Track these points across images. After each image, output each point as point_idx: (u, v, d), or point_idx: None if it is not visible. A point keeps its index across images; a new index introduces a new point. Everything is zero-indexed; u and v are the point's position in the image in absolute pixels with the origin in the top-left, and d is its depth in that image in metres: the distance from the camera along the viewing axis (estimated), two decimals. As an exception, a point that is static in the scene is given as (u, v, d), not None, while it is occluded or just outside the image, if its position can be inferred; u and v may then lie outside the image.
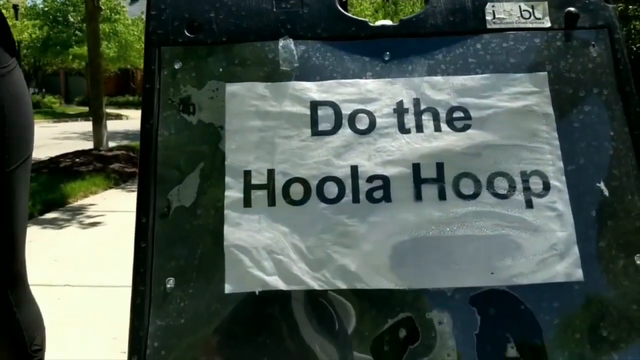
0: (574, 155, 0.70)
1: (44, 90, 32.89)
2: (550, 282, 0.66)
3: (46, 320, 1.15)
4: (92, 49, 7.10)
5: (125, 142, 10.56)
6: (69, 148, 9.03)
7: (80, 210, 4.54)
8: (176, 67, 0.75)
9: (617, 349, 0.64)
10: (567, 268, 0.66)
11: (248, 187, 0.69)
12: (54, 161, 6.56)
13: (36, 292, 1.14)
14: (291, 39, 0.75)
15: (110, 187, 5.56)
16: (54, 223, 4.07)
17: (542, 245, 0.67)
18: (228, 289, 0.65)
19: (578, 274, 0.66)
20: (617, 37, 0.76)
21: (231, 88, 0.73)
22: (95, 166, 6.23)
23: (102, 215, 4.29)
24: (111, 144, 7.89)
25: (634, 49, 8.00)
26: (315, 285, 0.65)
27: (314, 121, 0.72)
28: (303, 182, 0.69)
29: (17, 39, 22.80)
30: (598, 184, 0.70)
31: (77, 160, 6.40)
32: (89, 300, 2.50)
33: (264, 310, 0.65)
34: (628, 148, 0.71)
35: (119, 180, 5.91)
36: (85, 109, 29.88)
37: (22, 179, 1.01)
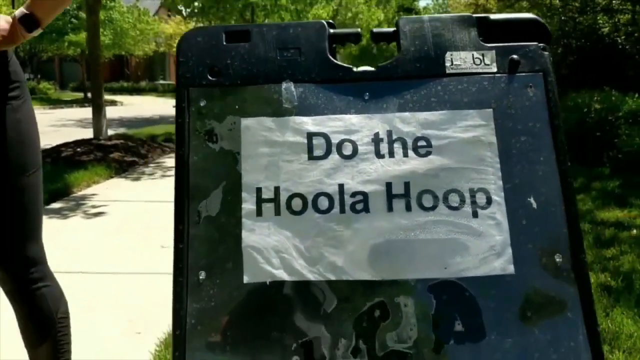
0: (511, 176, 0.91)
1: (39, 76, 32.60)
2: (489, 275, 0.87)
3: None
4: (91, 41, 7.21)
5: (122, 130, 10.66)
6: (66, 136, 9.14)
7: (84, 199, 4.73)
8: (201, 104, 0.94)
9: (537, 325, 0.86)
10: (502, 264, 0.87)
11: (259, 201, 0.90)
12: (55, 150, 6.71)
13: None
14: (292, 82, 0.95)
15: (112, 177, 5.74)
16: (59, 213, 4.26)
17: (484, 247, 0.88)
18: (246, 279, 0.86)
19: (510, 269, 0.87)
20: (550, 79, 0.97)
21: (245, 122, 0.93)
22: (95, 155, 6.39)
23: (105, 205, 4.48)
24: (109, 132, 8.02)
25: (619, 40, 8.20)
26: (311, 277, 0.86)
27: (310, 148, 0.92)
28: (302, 196, 0.90)
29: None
30: (529, 199, 0.90)
31: (78, 149, 6.56)
32: (103, 287, 2.71)
33: (273, 295, 0.86)
34: (554, 170, 0.92)
35: (119, 170, 6.08)
36: (80, 95, 29.64)
37: (38, 179, 1.31)
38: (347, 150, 0.93)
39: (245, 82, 0.95)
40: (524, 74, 0.97)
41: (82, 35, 22.20)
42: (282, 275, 0.86)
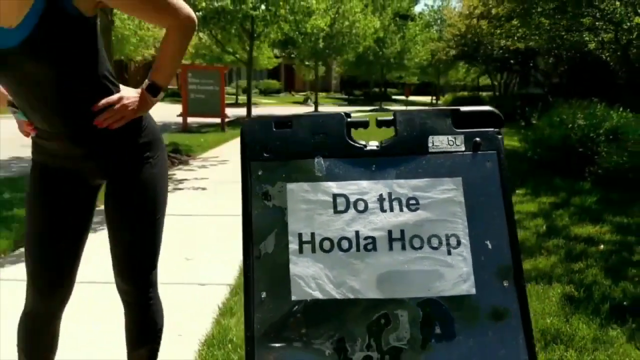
0: (474, 226, 1.32)
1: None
2: (458, 294, 1.27)
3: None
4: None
5: None
6: None
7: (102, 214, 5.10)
8: (259, 173, 1.35)
9: (491, 329, 1.26)
10: (467, 287, 1.28)
11: (301, 242, 1.30)
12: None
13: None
14: (321, 157, 1.36)
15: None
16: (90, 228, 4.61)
17: (455, 275, 1.28)
18: (293, 298, 1.26)
19: (473, 291, 1.28)
20: (502, 156, 1.37)
21: (290, 186, 1.34)
22: None
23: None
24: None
25: (604, 57, 8.65)
26: (337, 296, 1.27)
27: (335, 205, 1.33)
28: (330, 240, 1.30)
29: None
30: (486, 242, 1.31)
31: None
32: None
33: (311, 309, 1.26)
34: (504, 222, 1.32)
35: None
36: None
37: (164, 220, 1.67)
38: (361, 206, 1.33)
39: (289, 158, 1.36)
40: (483, 152, 1.38)
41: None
42: (318, 295, 1.27)
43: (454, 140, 1.38)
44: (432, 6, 38.56)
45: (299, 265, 1.29)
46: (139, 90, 1.58)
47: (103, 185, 1.67)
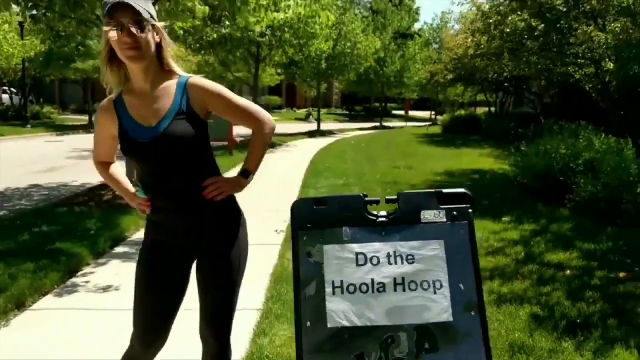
0: (452, 274, 1.93)
1: (41, 100, 33.32)
2: (441, 321, 1.89)
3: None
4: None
5: None
6: (91, 171, 10.03)
7: (139, 244, 5.68)
8: (305, 239, 1.97)
9: (462, 345, 1.87)
10: (447, 317, 1.89)
11: (334, 288, 1.91)
12: (96, 194, 7.65)
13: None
14: (348, 227, 1.98)
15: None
16: (127, 256, 5.14)
17: (439, 308, 1.89)
18: (329, 325, 1.87)
19: (451, 319, 1.89)
20: (472, 226, 1.99)
21: (326, 247, 1.96)
22: None
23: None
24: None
25: (587, 89, 9.32)
26: (359, 324, 1.88)
27: (357, 260, 1.94)
28: (354, 285, 1.92)
29: (25, 57, 23.17)
30: (460, 285, 1.92)
31: (117, 193, 7.50)
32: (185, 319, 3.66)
33: (341, 333, 1.87)
34: (472, 273, 1.94)
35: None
36: (82, 117, 30.20)
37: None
38: (375, 261, 1.95)
39: (325, 227, 1.98)
40: (459, 222, 2.00)
41: (90, 63, 23.16)
42: (346, 323, 1.88)
43: (438, 214, 2.00)
44: (432, 25, 39.34)
45: (332, 303, 1.90)
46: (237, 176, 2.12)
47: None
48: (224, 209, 2.12)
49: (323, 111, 30.71)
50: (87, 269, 4.71)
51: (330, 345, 1.88)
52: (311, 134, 22.88)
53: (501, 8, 7.95)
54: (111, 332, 3.30)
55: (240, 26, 9.00)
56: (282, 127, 26.62)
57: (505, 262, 4.44)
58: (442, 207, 2.01)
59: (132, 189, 2.17)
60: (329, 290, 1.92)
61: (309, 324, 1.89)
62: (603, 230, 5.06)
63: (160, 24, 1.92)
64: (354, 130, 27.09)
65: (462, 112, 27.23)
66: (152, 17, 1.88)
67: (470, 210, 2.02)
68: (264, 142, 2.13)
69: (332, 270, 1.94)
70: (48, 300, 3.97)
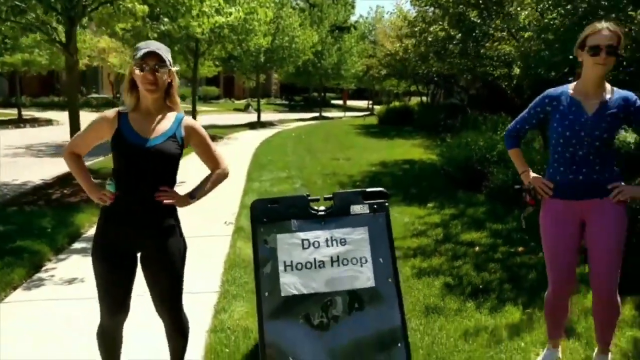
0: (374, 252, 2.58)
1: (-42, 94, 31.15)
2: (366, 287, 2.53)
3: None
4: (72, 98, 8.33)
5: (89, 162, 11.41)
6: (28, 168, 9.75)
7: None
8: (262, 230, 2.55)
9: (382, 302, 2.54)
10: (370, 282, 2.54)
11: (285, 266, 2.52)
12: (43, 193, 7.74)
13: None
14: (295, 220, 2.58)
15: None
16: (86, 251, 5.44)
17: (364, 277, 2.54)
18: (282, 294, 2.48)
19: (373, 284, 2.54)
20: (388, 215, 2.65)
21: (278, 236, 2.55)
22: (82, 197, 7.38)
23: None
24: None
25: (503, 86, 10.39)
26: (305, 291, 2.49)
27: (302, 245, 2.55)
28: (301, 263, 2.53)
29: (-52, 48, 21.80)
30: (380, 259, 2.58)
31: (65, 191, 7.67)
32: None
33: (291, 299, 2.48)
34: (388, 249, 2.60)
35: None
36: (9, 111, 28.85)
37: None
38: (316, 245, 2.57)
39: (277, 220, 2.57)
40: (378, 213, 2.65)
41: (18, 57, 22.24)
42: (295, 292, 2.49)
43: (363, 207, 2.65)
44: (367, 18, 40.38)
45: (285, 277, 2.51)
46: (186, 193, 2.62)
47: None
48: (170, 213, 2.52)
49: (262, 101, 31.00)
50: (49, 265, 5.00)
51: (284, 310, 2.48)
52: (251, 126, 23.05)
53: (426, 15, 8.77)
54: (81, 317, 3.69)
55: (180, 25, 9.25)
56: (221, 118, 26.43)
57: (427, 242, 5.20)
58: (366, 202, 2.66)
59: (93, 181, 2.59)
60: (281, 268, 2.52)
61: (267, 294, 2.49)
62: (511, 212, 5.94)
63: (174, 69, 2.43)
64: (294, 120, 27.57)
65: (397, 103, 28.44)
66: (170, 63, 2.38)
67: (387, 204, 2.68)
68: (216, 180, 2.58)
69: (284, 253, 2.54)
70: (18, 294, 4.30)
